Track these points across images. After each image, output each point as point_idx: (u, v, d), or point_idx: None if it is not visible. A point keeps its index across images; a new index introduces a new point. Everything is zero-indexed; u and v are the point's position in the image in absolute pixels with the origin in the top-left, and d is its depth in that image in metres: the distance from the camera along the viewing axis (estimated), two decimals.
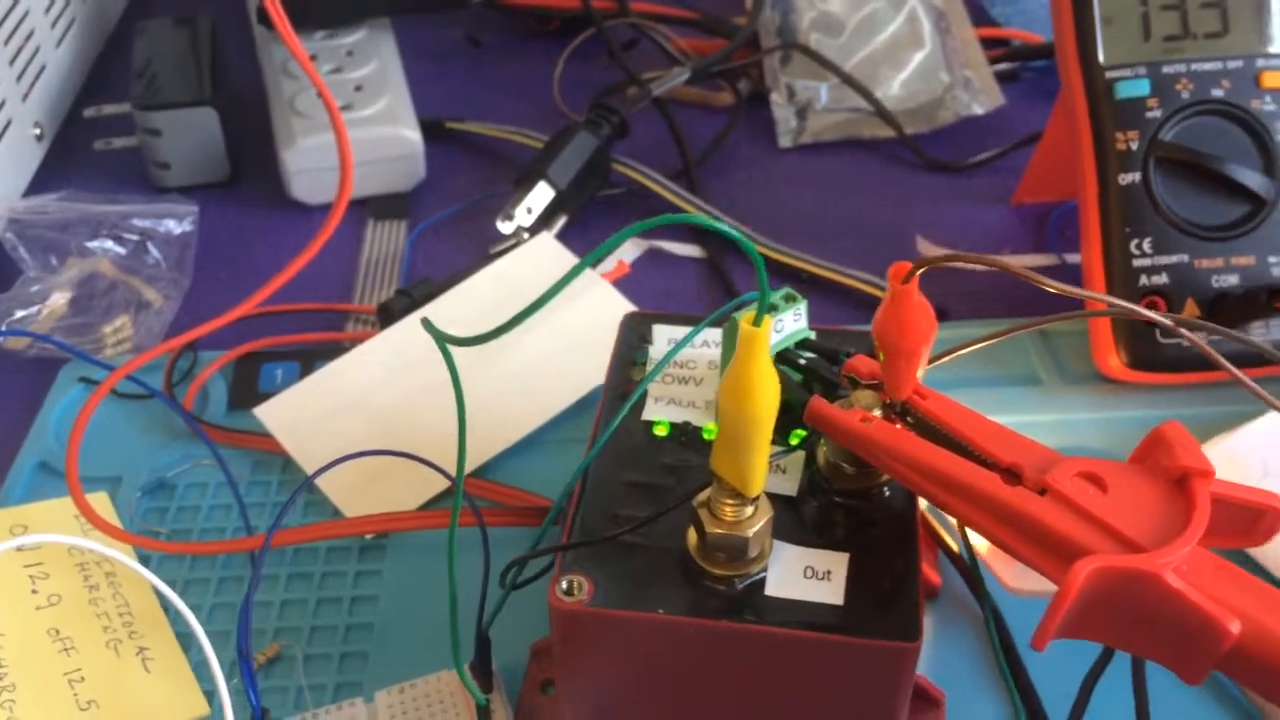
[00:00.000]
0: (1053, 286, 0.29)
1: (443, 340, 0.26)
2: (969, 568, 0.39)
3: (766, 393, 0.27)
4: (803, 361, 0.35)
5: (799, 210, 0.60)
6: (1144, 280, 0.46)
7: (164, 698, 0.36)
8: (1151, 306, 0.46)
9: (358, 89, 0.60)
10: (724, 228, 0.25)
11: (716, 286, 0.55)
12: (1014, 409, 0.46)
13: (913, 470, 0.30)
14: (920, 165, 0.62)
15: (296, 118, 0.58)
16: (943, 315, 0.51)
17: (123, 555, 0.35)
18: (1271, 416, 0.43)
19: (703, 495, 0.30)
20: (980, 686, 0.37)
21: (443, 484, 0.43)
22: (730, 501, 0.30)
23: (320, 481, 0.43)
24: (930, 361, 0.32)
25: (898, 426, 0.32)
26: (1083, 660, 0.33)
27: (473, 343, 0.26)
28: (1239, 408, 0.46)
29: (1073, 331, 0.49)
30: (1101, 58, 0.46)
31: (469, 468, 0.44)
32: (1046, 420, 0.46)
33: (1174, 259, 0.46)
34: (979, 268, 0.30)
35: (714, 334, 0.38)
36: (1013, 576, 0.38)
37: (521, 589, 0.34)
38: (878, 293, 0.52)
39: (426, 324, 0.27)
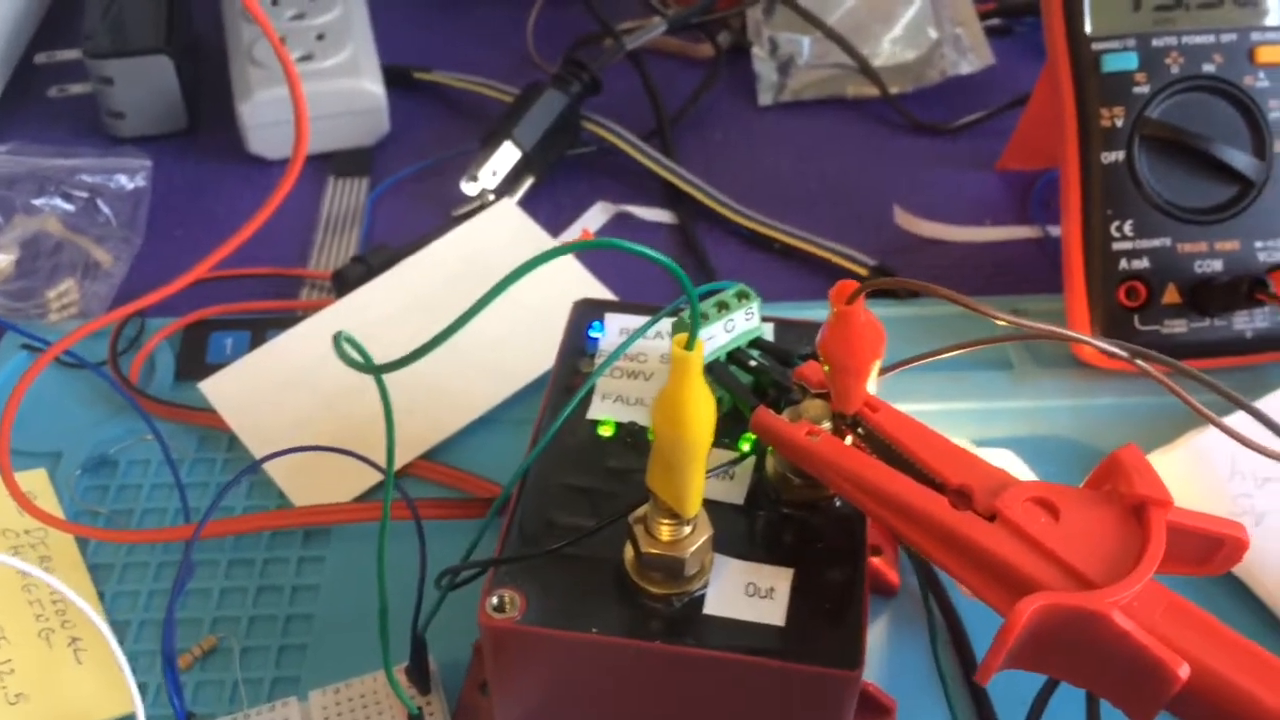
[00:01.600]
0: (1004, 319, 0.27)
1: (359, 367, 0.25)
2: (926, 569, 0.37)
3: (700, 417, 0.26)
4: (754, 363, 0.33)
5: (776, 173, 0.58)
6: (1124, 264, 0.44)
7: (91, 692, 0.36)
8: (1131, 292, 0.44)
9: (319, 37, 0.58)
10: (652, 254, 0.23)
11: (688, 255, 0.53)
12: (984, 394, 0.45)
13: (857, 489, 0.29)
14: (905, 126, 0.60)
15: (254, 68, 0.56)
16: (913, 292, 0.49)
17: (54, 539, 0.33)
18: (1243, 414, 0.42)
19: (640, 511, 0.29)
20: (935, 692, 0.36)
21: (405, 460, 0.42)
22: (667, 521, 0.28)
23: (267, 464, 0.41)
24: (882, 373, 0.31)
25: (848, 439, 0.30)
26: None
27: (393, 368, 0.25)
28: (1217, 397, 0.44)
29: (1048, 312, 0.48)
30: (1088, 28, 0.44)
31: (422, 448, 0.43)
32: (1017, 406, 0.45)
33: (1156, 243, 0.44)
34: (936, 289, 0.28)
35: (669, 324, 0.36)
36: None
37: (463, 587, 0.33)
38: (853, 267, 0.50)
39: (338, 344, 0.25)
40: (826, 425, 0.30)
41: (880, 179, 0.57)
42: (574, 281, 0.48)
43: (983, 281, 0.51)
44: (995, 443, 0.43)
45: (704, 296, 0.33)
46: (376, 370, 0.25)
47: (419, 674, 0.34)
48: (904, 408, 0.43)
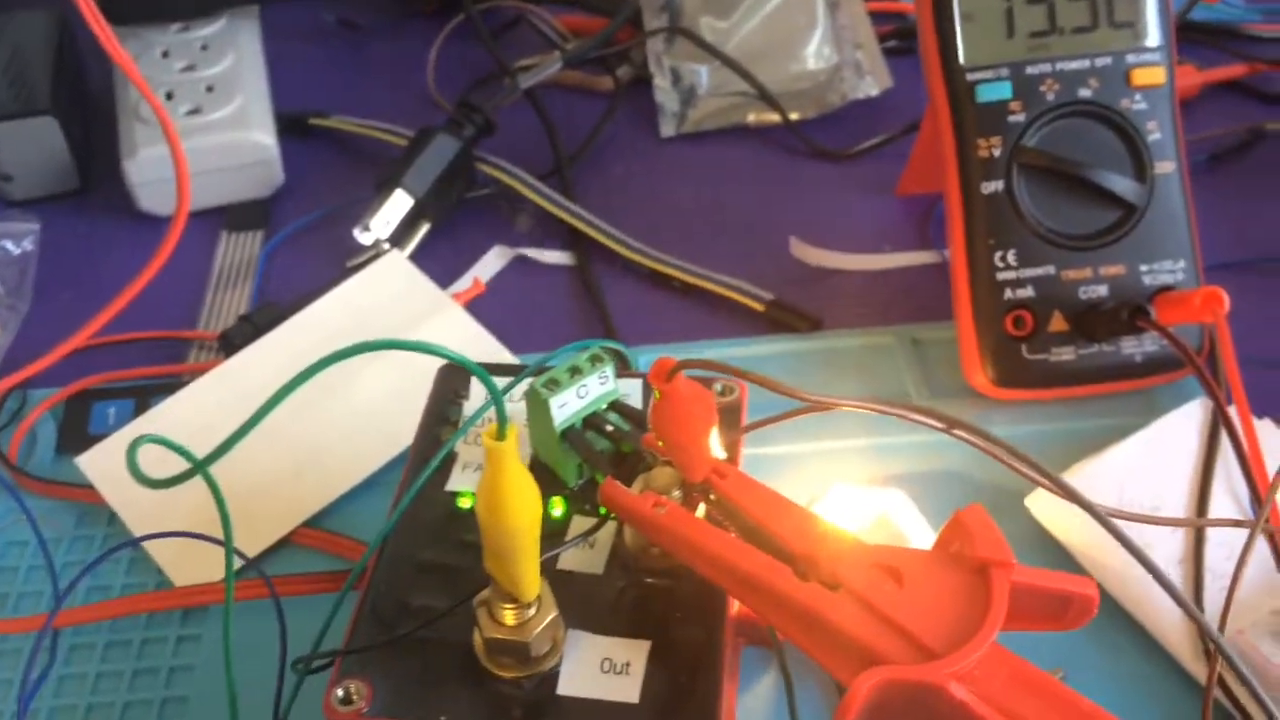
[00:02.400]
0: (830, 402, 0.27)
1: (148, 482, 0.24)
2: None
3: (521, 505, 0.25)
4: (610, 428, 0.33)
5: (677, 206, 0.57)
6: (1009, 294, 0.43)
7: None
8: (1018, 321, 0.44)
9: (209, 89, 0.57)
10: (448, 354, 0.23)
11: (584, 297, 0.52)
12: (875, 427, 0.44)
13: (705, 563, 0.28)
14: (806, 153, 0.59)
15: (140, 124, 0.55)
16: (816, 325, 0.49)
17: None
18: (1132, 441, 0.42)
19: (484, 594, 0.29)
20: None
21: (277, 535, 0.41)
22: (509, 605, 0.28)
23: (146, 542, 0.40)
24: (742, 433, 0.30)
25: (701, 507, 0.30)
26: None
27: (213, 459, 0.24)
28: (1110, 421, 0.44)
29: (947, 340, 0.47)
30: (962, 58, 0.44)
31: (307, 514, 0.42)
32: (913, 441, 0.44)
33: (1040, 271, 0.43)
34: (748, 375, 0.27)
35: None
36: None
37: (321, 672, 0.32)
38: (750, 303, 0.50)
39: (131, 458, 0.24)
40: (677, 494, 0.29)
41: (781, 208, 0.56)
42: (462, 334, 0.48)
43: (881, 310, 0.50)
44: (890, 480, 0.42)
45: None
46: (199, 465, 0.25)
47: None
48: (795, 448, 0.43)
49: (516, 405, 0.35)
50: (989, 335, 0.44)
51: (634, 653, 0.29)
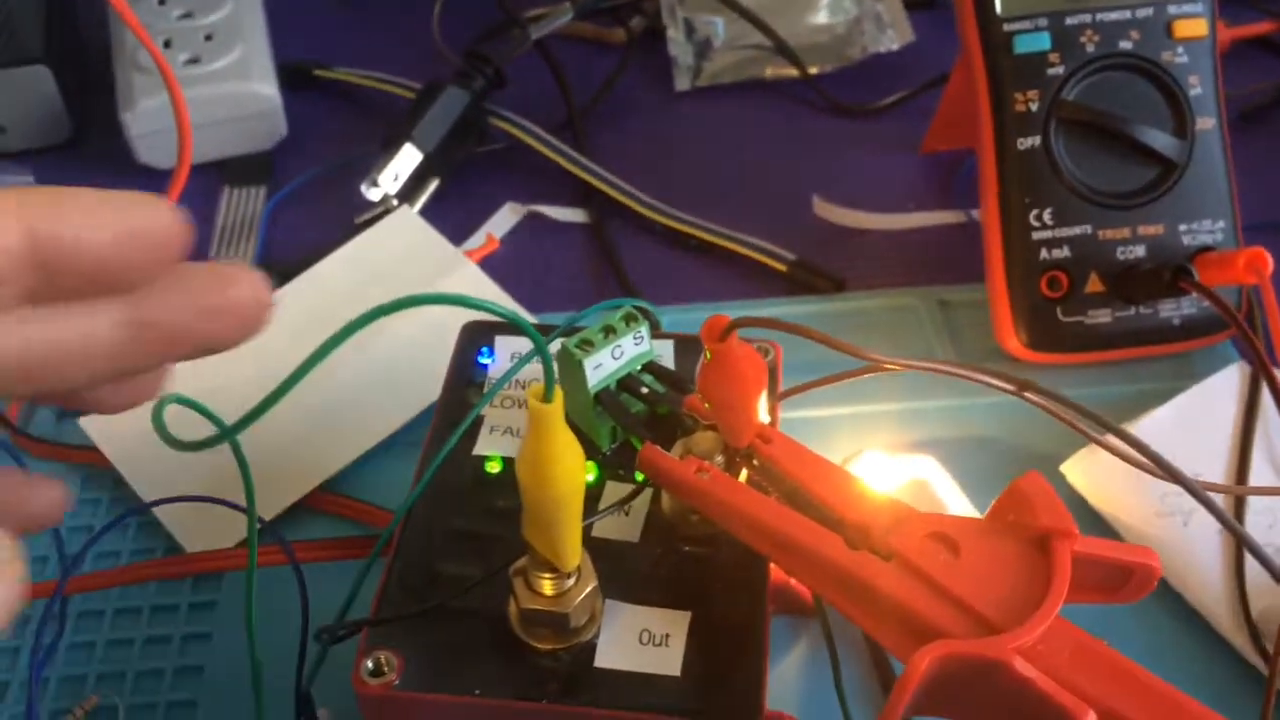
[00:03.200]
0: (894, 365, 0.25)
1: (177, 444, 0.23)
2: None
3: (565, 472, 0.24)
4: (646, 390, 0.31)
5: (693, 163, 0.55)
6: (1044, 254, 0.42)
7: None
8: (1053, 282, 0.42)
9: (208, 38, 0.55)
10: (495, 308, 0.21)
11: (599, 255, 0.51)
12: (906, 392, 0.43)
13: (749, 530, 0.27)
14: (825, 108, 0.58)
15: (139, 74, 0.53)
16: (839, 286, 0.47)
17: None
18: (1170, 406, 0.40)
19: (519, 563, 0.27)
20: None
21: (294, 497, 0.40)
22: (547, 575, 0.26)
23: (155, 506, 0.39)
24: (780, 398, 0.29)
25: (744, 473, 0.28)
26: None
27: (241, 427, 0.22)
28: (1145, 386, 0.43)
29: (974, 303, 0.46)
30: (999, 8, 0.42)
31: (322, 477, 0.41)
32: (942, 406, 0.43)
33: (1077, 230, 0.42)
34: (809, 331, 0.26)
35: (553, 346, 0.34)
36: None
37: (346, 640, 0.31)
38: (772, 263, 0.48)
39: (157, 417, 0.23)
40: (719, 459, 0.28)
41: (800, 165, 0.55)
42: (473, 286, 0.46)
43: (906, 271, 0.49)
44: (921, 445, 0.41)
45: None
46: (228, 432, 0.23)
47: None
48: (822, 413, 0.42)
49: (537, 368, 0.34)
50: (1023, 297, 0.42)
51: (674, 624, 0.28)
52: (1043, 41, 0.42)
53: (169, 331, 0.24)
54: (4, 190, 0.23)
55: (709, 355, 0.26)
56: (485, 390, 0.33)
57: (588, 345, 0.30)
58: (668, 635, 0.28)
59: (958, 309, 0.47)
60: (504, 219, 0.52)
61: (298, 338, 0.44)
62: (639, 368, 0.32)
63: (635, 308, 0.31)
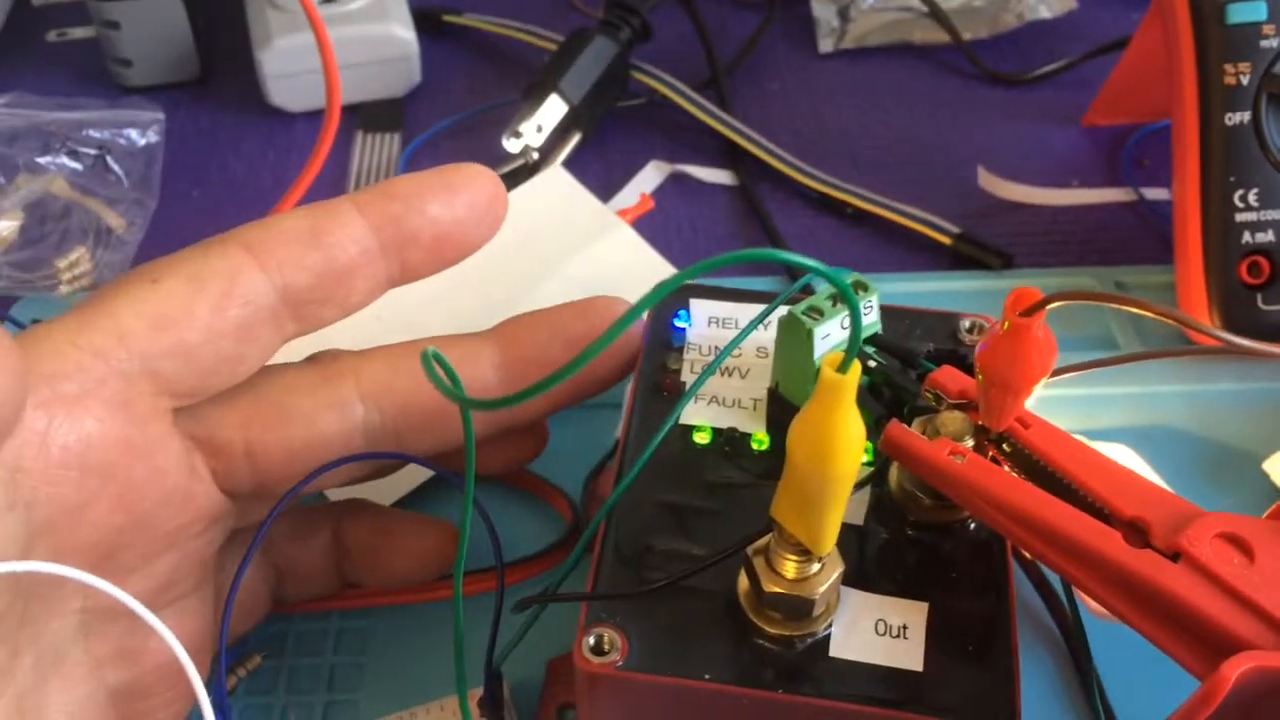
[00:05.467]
0: (1240, 348, 0.23)
1: (466, 404, 0.21)
2: (1049, 589, 0.34)
3: (851, 450, 0.22)
4: (873, 364, 0.29)
5: (840, 128, 0.53)
6: (1247, 237, 0.40)
7: None
8: (1253, 268, 0.40)
9: None
10: (814, 265, 0.19)
11: (749, 218, 0.49)
12: (1082, 379, 0.41)
13: (1013, 521, 0.25)
14: (978, 77, 0.55)
15: (274, 11, 0.51)
16: (1008, 262, 0.45)
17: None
18: None
19: (760, 542, 0.25)
20: (1052, 713, 0.33)
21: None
22: (794, 557, 0.25)
23: None
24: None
25: (998, 462, 0.26)
26: (1172, 693, 0.29)
27: (482, 406, 0.20)
28: None
29: (1154, 287, 0.44)
30: None
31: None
32: (1124, 393, 0.41)
33: None
34: (1151, 306, 0.24)
35: (753, 312, 0.32)
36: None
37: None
38: (937, 236, 0.46)
39: (428, 363, 0.21)
40: (968, 442, 0.26)
41: (954, 135, 0.52)
42: (629, 251, 0.44)
43: (1075, 250, 0.47)
44: (1101, 434, 0.39)
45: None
46: (467, 403, 0.21)
47: (493, 706, 0.31)
48: None
49: (759, 336, 0.32)
50: (1219, 282, 0.40)
51: (911, 614, 0.26)
52: (1259, 11, 0.39)
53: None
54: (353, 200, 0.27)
55: (1007, 327, 0.24)
56: (686, 356, 0.32)
57: (816, 313, 0.28)
58: (905, 626, 0.26)
59: (1136, 292, 0.44)
60: (648, 178, 0.50)
61: (437, 300, 0.43)
62: (864, 341, 0.30)
63: (859, 277, 0.30)
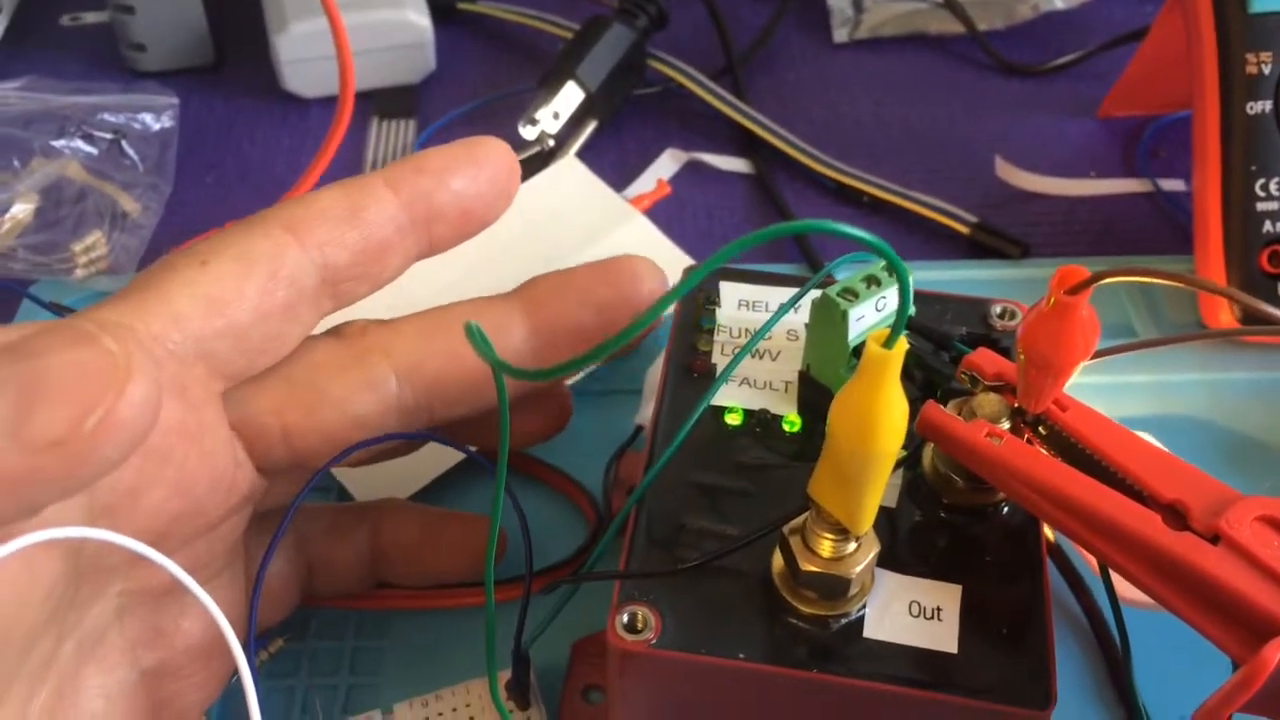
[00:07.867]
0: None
1: (502, 368, 0.21)
2: (1074, 574, 0.34)
3: (895, 427, 0.22)
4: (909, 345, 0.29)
5: (856, 118, 0.53)
6: (1268, 227, 0.40)
7: None
8: (1274, 257, 0.40)
9: None
10: (868, 239, 0.19)
11: (765, 207, 0.49)
12: (1102, 366, 0.41)
13: (1054, 505, 0.25)
14: (993, 67, 0.55)
15: None
16: (1026, 251, 0.45)
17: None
18: None
19: (796, 521, 0.25)
20: (1082, 703, 0.33)
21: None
22: (831, 536, 0.25)
23: None
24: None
25: (1034, 445, 0.26)
26: (1201, 679, 0.28)
27: (520, 375, 0.20)
28: None
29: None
30: None
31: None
32: (1142, 381, 0.41)
33: None
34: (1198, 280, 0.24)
35: (783, 295, 0.32)
36: (1126, 584, 0.34)
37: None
38: (954, 225, 0.46)
39: (473, 334, 0.21)
40: (1005, 424, 0.26)
41: (970, 125, 0.52)
42: (643, 238, 0.44)
43: (1092, 240, 0.47)
44: (1121, 422, 0.39)
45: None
46: (512, 372, 0.21)
47: (519, 689, 0.31)
48: None
49: (789, 319, 0.32)
50: (1239, 271, 0.40)
51: (945, 597, 0.26)
52: None
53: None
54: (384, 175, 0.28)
55: (1052, 304, 0.23)
56: (716, 338, 0.32)
57: (851, 295, 0.28)
58: (939, 609, 0.26)
59: None
60: (664, 166, 0.50)
61: (454, 286, 0.43)
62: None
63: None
